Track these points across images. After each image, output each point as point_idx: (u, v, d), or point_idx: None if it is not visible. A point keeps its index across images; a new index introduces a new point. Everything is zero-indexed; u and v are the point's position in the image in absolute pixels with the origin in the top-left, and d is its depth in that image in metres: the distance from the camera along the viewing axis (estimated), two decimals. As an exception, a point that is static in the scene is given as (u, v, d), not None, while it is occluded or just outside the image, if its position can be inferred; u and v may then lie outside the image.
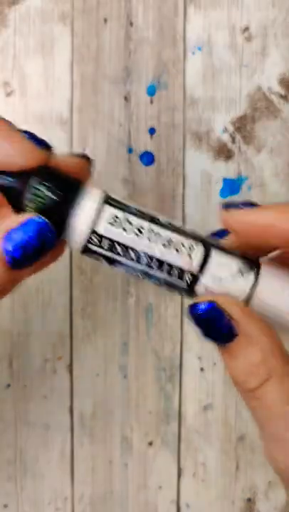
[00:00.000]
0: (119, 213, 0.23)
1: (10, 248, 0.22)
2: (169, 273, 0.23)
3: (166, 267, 0.23)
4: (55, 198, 0.23)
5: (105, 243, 0.23)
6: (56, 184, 0.23)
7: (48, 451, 0.37)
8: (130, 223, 0.23)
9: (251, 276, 0.23)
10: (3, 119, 0.23)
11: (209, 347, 0.36)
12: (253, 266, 0.23)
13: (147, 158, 0.35)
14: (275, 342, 0.23)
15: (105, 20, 0.33)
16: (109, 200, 0.23)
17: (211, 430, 0.37)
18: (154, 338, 0.36)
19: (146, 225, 0.23)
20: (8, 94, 0.34)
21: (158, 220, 0.23)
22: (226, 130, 0.35)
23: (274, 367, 0.22)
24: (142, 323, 0.36)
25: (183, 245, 0.23)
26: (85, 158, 0.25)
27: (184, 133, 0.35)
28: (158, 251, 0.23)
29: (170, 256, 0.23)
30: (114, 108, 0.34)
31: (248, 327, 0.22)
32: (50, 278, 0.35)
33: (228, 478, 0.38)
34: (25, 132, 0.23)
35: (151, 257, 0.23)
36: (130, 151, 0.35)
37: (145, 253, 0.23)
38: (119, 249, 0.23)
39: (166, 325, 0.36)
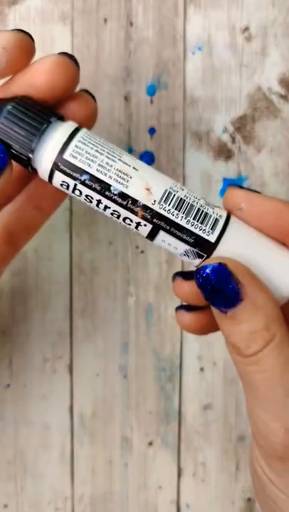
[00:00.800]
0: (75, 174, 0.23)
1: None
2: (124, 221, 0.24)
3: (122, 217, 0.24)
4: (25, 127, 0.24)
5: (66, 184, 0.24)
6: (32, 113, 0.24)
7: (47, 451, 0.37)
8: (80, 191, 0.24)
9: (198, 262, 0.24)
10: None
11: (209, 347, 0.37)
12: (203, 255, 0.24)
13: (147, 158, 0.35)
14: (278, 310, 0.23)
15: (105, 21, 0.34)
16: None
17: (211, 430, 0.37)
18: (154, 338, 0.36)
19: (95, 195, 0.23)
20: (8, 94, 0.34)
21: (110, 189, 0.24)
22: (226, 130, 0.35)
23: (276, 333, 0.22)
24: (142, 323, 0.36)
25: (131, 220, 0.24)
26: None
27: (184, 133, 0.35)
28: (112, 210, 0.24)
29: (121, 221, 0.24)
30: (114, 108, 0.34)
31: (255, 293, 0.22)
32: (50, 278, 0.36)
33: (228, 478, 0.38)
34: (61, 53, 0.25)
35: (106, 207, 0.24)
36: (130, 151, 0.35)
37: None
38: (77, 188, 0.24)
39: (166, 325, 0.36)
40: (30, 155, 0.24)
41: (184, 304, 0.26)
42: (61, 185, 0.24)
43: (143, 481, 0.38)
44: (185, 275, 0.26)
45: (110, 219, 0.24)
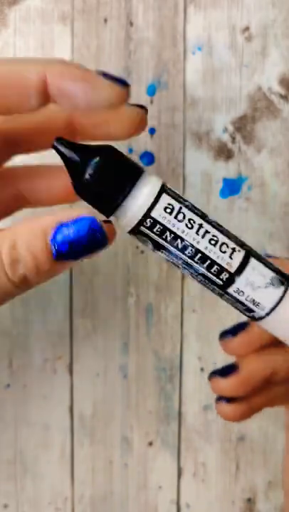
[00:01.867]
0: (175, 203, 0.24)
1: (58, 241, 0.22)
2: (209, 268, 0.24)
3: (208, 262, 0.24)
4: (114, 180, 0.24)
5: (157, 228, 0.24)
6: (118, 166, 0.24)
7: (48, 451, 0.37)
8: (183, 214, 0.24)
9: (280, 290, 0.25)
10: (78, 64, 0.24)
11: (210, 347, 0.36)
12: (284, 281, 0.25)
13: (147, 158, 0.35)
14: None
15: (105, 21, 0.33)
16: (166, 189, 0.24)
17: (211, 430, 0.37)
18: (154, 338, 0.36)
19: (197, 219, 0.24)
20: (8, 94, 0.34)
21: (208, 217, 0.25)
22: (226, 130, 0.35)
23: None
24: (142, 323, 0.36)
25: (227, 246, 0.25)
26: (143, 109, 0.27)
27: (184, 133, 0.35)
28: (204, 246, 0.24)
29: (214, 253, 0.24)
30: (115, 108, 0.34)
31: None
32: (50, 278, 0.35)
33: (228, 478, 0.38)
34: (101, 72, 0.24)
35: (196, 250, 0.24)
36: (130, 151, 0.35)
37: (192, 245, 0.24)
38: (168, 236, 0.24)
39: (166, 325, 0.36)
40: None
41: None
42: (165, 209, 0.24)
43: (143, 481, 0.38)
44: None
45: (198, 256, 0.25)
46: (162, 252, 0.25)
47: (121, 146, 0.34)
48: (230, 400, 0.27)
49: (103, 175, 0.23)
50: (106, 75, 0.24)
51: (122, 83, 0.24)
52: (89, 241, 0.22)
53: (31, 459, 0.37)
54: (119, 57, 0.34)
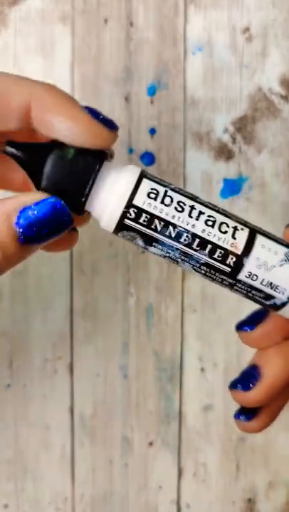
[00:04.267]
0: (159, 187, 0.21)
1: (22, 224, 0.21)
2: (211, 254, 0.21)
3: (208, 246, 0.21)
4: (75, 172, 0.21)
5: (143, 218, 0.21)
6: (77, 156, 0.21)
7: (48, 452, 0.37)
8: (170, 198, 0.21)
9: None
10: (67, 95, 0.23)
11: (210, 347, 0.37)
12: None
13: (148, 158, 0.35)
14: None
15: (106, 21, 0.33)
16: (146, 174, 0.22)
17: (211, 430, 0.37)
18: (154, 338, 0.36)
19: (187, 201, 0.21)
20: (9, 95, 0.34)
21: (199, 198, 0.22)
22: (226, 130, 0.35)
23: None
24: (143, 324, 0.36)
25: (227, 225, 0.21)
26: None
27: (185, 133, 0.35)
28: (200, 229, 0.21)
29: (213, 235, 0.21)
30: (115, 108, 0.34)
31: None
32: (50, 278, 0.36)
33: (228, 479, 0.38)
34: (90, 110, 0.22)
35: (193, 235, 0.21)
36: (131, 151, 0.35)
37: (187, 230, 0.21)
38: (158, 224, 0.21)
39: (166, 325, 0.36)
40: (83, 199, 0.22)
41: (241, 410, 0.25)
42: (148, 194, 0.21)
43: (143, 481, 0.38)
44: (249, 324, 0.25)
45: (197, 243, 0.22)
46: (155, 246, 0.22)
47: (121, 146, 0.34)
48: (249, 416, 0.25)
49: (61, 170, 0.21)
50: (94, 113, 0.22)
51: (110, 125, 0.22)
52: (54, 221, 0.21)
53: (31, 459, 0.37)
54: (119, 58, 0.34)
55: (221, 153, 0.35)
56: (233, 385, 0.25)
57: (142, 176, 0.21)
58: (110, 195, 0.21)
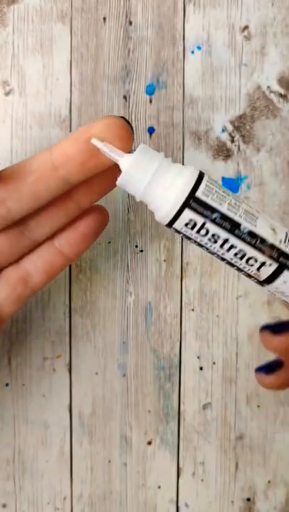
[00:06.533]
0: (198, 218, 0.24)
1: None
2: (239, 271, 0.25)
3: (235, 267, 0.25)
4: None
5: (182, 234, 0.24)
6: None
7: (46, 450, 0.37)
8: (206, 230, 0.24)
9: None
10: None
11: (208, 346, 0.36)
12: None
13: (146, 157, 0.35)
14: None
15: (104, 19, 0.34)
16: (190, 204, 0.24)
17: (210, 429, 0.37)
18: (153, 336, 0.36)
19: (223, 234, 0.24)
20: (7, 93, 0.34)
21: (239, 228, 0.24)
22: (225, 129, 0.35)
23: None
24: (141, 322, 0.36)
25: (255, 260, 0.24)
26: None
27: (183, 132, 0.35)
28: (228, 257, 0.24)
29: (240, 264, 0.24)
30: (114, 107, 0.34)
31: None
32: (49, 277, 0.35)
33: (227, 478, 0.38)
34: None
35: (222, 258, 0.24)
36: (129, 150, 0.35)
37: (217, 254, 0.24)
38: (194, 243, 0.24)
39: (165, 324, 0.36)
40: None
41: (263, 365, 0.26)
42: (186, 224, 0.24)
43: (142, 481, 0.38)
44: (274, 329, 0.26)
45: (226, 261, 0.25)
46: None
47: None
48: (269, 370, 0.26)
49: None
50: None
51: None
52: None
53: (30, 458, 0.37)
54: (118, 56, 0.34)
55: (219, 152, 0.35)
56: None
57: (185, 205, 0.24)
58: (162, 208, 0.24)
